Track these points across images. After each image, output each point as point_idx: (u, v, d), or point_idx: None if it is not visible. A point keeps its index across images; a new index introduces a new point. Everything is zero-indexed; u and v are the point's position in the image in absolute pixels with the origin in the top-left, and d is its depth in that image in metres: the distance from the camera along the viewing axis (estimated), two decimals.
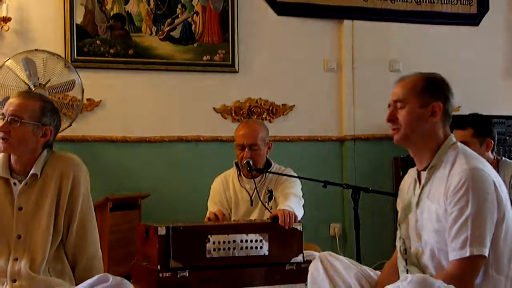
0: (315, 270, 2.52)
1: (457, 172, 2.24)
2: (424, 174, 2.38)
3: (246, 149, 3.75)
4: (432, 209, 2.30)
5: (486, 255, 2.17)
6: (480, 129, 3.89)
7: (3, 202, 2.68)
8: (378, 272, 2.55)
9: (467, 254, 2.15)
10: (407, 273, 2.37)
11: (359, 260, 3.23)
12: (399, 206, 2.54)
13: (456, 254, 2.17)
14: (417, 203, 2.38)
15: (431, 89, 2.38)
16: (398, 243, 2.48)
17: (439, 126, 2.37)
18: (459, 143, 2.40)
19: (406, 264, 2.41)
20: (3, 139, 2.63)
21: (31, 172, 2.68)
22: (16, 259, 2.62)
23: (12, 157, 2.71)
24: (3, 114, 2.67)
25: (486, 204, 2.19)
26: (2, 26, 4.39)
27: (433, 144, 2.37)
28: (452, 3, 5.43)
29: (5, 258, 2.63)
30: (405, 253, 2.43)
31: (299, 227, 3.48)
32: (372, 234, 4.51)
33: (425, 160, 2.38)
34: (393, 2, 5.29)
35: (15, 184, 2.69)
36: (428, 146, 2.37)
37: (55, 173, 2.70)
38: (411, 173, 2.50)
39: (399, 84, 2.44)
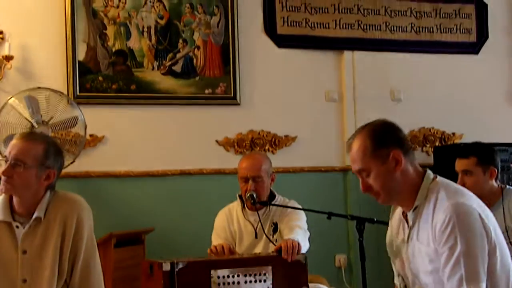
0: None
1: (441, 209, 2.21)
2: (410, 215, 2.35)
3: (250, 181, 3.75)
4: (422, 251, 2.27)
5: None
6: (483, 157, 3.89)
7: (7, 246, 2.66)
8: None
9: None
10: None
11: None
12: (393, 243, 2.51)
13: None
14: (407, 244, 2.36)
15: (380, 141, 2.31)
16: (397, 281, 2.46)
17: (408, 168, 2.32)
18: (438, 178, 2.36)
19: None
20: (6, 181, 2.62)
21: (34, 216, 2.66)
22: None
23: (14, 200, 2.69)
24: (5, 156, 2.66)
25: (475, 238, 2.16)
26: (4, 65, 4.41)
27: (412, 187, 2.33)
28: (452, 32, 5.46)
29: None
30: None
31: (303, 260, 3.47)
32: (378, 264, 4.46)
33: (409, 203, 2.35)
34: (393, 32, 5.32)
35: (17, 227, 2.67)
36: (408, 191, 2.33)
37: (59, 215, 2.68)
38: (398, 210, 2.48)
39: (351, 154, 2.37)
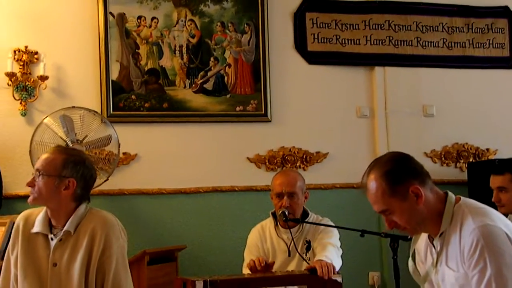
0: None
1: (467, 233, 2.20)
2: (436, 241, 2.34)
3: (285, 197, 3.72)
4: (451, 276, 2.26)
5: None
6: None
7: (42, 257, 2.72)
8: None
9: None
10: None
11: None
12: (420, 268, 2.48)
13: None
14: (436, 269, 2.35)
15: (395, 180, 2.28)
16: None
17: (429, 197, 2.30)
18: (461, 200, 2.33)
19: None
20: (31, 191, 2.74)
21: (64, 229, 2.72)
22: None
23: (48, 213, 2.77)
24: None
25: (505, 259, 2.14)
26: (40, 85, 4.51)
27: (436, 214, 2.31)
28: (484, 47, 5.41)
29: None
30: None
31: (339, 279, 3.43)
32: (413, 282, 4.42)
33: (435, 229, 2.33)
34: (424, 47, 5.29)
35: (52, 239, 2.73)
36: (433, 219, 2.31)
37: (87, 231, 2.73)
38: (423, 235, 2.45)
39: (369, 197, 2.35)
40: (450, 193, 2.35)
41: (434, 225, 2.32)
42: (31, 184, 2.72)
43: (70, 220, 2.72)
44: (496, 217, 2.26)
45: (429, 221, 2.32)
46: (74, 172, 2.74)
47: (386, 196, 2.29)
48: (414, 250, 2.53)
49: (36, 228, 2.74)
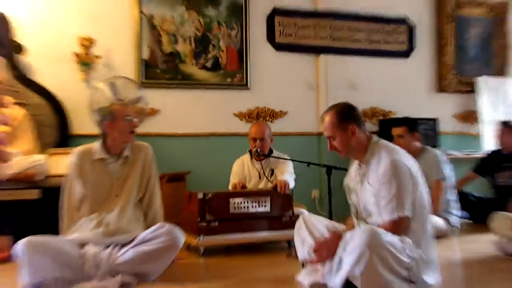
0: (299, 225, 2.55)
1: (382, 163, 2.24)
2: (362, 166, 2.38)
3: (257, 141, 3.77)
4: (370, 190, 2.31)
5: (409, 214, 2.18)
6: (411, 126, 3.90)
7: (104, 175, 2.71)
8: (343, 225, 2.57)
9: (396, 216, 2.17)
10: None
11: (331, 215, 3.24)
12: (350, 184, 2.52)
13: (389, 217, 2.19)
14: (361, 185, 2.39)
15: (343, 118, 2.33)
16: (353, 209, 2.49)
17: (360, 135, 2.35)
18: (380, 140, 2.37)
19: (358, 221, 2.44)
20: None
21: (124, 154, 2.74)
22: (112, 210, 2.67)
23: (109, 144, 2.74)
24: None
25: (404, 182, 2.20)
26: (95, 61, 4.43)
27: (363, 147, 2.36)
28: (391, 43, 5.40)
29: (106, 212, 2.67)
30: (356, 213, 2.45)
31: (290, 193, 3.50)
32: (341, 197, 4.51)
33: (361, 157, 2.37)
34: (354, 42, 5.26)
35: (110, 163, 2.72)
36: (361, 150, 2.36)
37: (139, 155, 2.78)
38: (355, 163, 2.50)
39: (323, 125, 2.39)
40: (374, 136, 2.40)
41: (361, 154, 2.37)
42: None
43: (127, 149, 2.74)
44: (402, 154, 2.31)
45: (358, 151, 2.37)
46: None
47: (334, 127, 2.34)
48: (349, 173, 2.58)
49: (98, 155, 2.70)
